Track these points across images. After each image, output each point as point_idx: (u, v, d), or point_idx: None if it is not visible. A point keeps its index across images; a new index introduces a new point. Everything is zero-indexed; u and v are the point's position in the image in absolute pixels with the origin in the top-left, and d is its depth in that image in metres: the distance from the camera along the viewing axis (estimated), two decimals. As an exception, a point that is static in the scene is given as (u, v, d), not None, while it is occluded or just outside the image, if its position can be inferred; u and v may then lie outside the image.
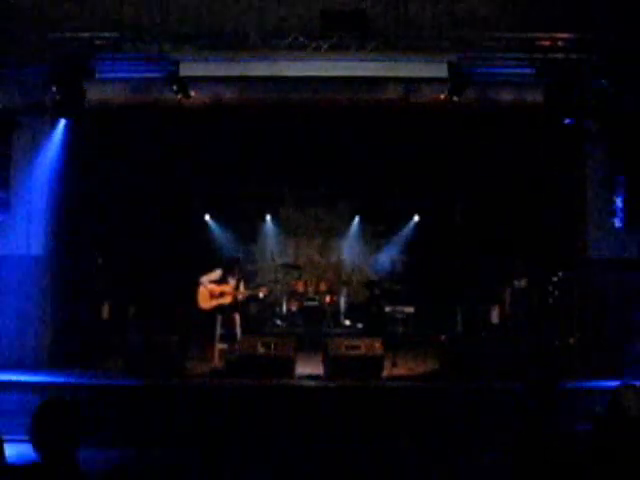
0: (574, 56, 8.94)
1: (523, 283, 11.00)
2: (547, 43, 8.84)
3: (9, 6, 8.39)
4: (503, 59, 9.13)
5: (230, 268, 10.70)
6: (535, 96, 10.16)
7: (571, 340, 9.75)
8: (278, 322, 13.42)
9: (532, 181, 11.12)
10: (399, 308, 12.85)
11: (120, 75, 9.83)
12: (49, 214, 9.81)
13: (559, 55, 8.96)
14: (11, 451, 3.41)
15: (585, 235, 9.88)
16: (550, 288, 10.43)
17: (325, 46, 9.05)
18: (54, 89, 9.50)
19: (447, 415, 7.48)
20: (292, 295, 13.83)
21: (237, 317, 10.58)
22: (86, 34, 8.80)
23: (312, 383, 8.75)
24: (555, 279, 10.44)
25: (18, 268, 9.61)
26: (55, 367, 9.23)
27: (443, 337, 10.95)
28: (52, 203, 9.85)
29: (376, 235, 14.76)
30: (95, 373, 9.09)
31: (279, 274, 14.33)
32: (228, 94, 10.26)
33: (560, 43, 8.84)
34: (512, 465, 4.21)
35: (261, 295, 11.56)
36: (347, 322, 13.35)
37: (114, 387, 8.45)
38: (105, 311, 11.22)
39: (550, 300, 10.40)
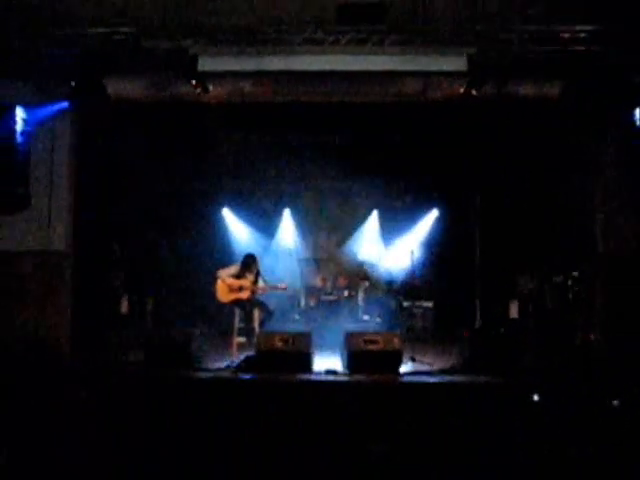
0: (595, 48, 8.86)
1: (542, 278, 10.92)
2: (567, 36, 8.76)
3: (28, 3, 8.41)
4: (522, 52, 9.06)
5: (247, 264, 10.73)
6: (554, 89, 10.10)
7: (592, 336, 9.69)
8: (296, 317, 13.41)
9: (552, 174, 11.04)
10: (418, 303, 12.82)
11: (139, 70, 9.88)
12: (69, 209, 9.87)
13: (579, 48, 8.88)
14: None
15: (606, 229, 9.80)
16: (570, 283, 10.35)
17: (343, 40, 9.02)
18: (73, 84, 9.56)
19: (466, 410, 7.44)
20: (310, 290, 13.81)
21: (256, 312, 10.60)
22: (105, 29, 8.83)
23: (330, 378, 8.75)
24: (575, 274, 10.36)
25: (39, 263, 9.70)
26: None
27: (462, 331, 10.92)
28: (72, 198, 9.91)
29: (394, 229, 14.71)
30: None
31: (297, 269, 14.31)
32: (246, 88, 10.27)
33: (580, 36, 8.76)
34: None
35: (279, 291, 11.57)
36: (365, 317, 13.29)
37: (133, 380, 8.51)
38: (124, 305, 11.27)
39: (570, 295, 10.33)
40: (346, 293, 13.62)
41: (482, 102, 10.18)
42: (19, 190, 9.52)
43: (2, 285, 9.63)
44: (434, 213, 14.41)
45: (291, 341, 9.05)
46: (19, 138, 9.33)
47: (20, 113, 9.36)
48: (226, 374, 8.91)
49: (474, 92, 9.76)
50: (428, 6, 8.60)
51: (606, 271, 9.82)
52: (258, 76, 9.94)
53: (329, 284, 13.86)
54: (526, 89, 10.12)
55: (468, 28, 8.85)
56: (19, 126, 9.32)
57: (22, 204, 9.61)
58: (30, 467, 6.07)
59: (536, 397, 7.45)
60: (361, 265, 14.29)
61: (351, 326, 12.11)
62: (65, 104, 9.73)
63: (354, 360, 8.96)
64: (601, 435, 6.61)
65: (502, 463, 6.15)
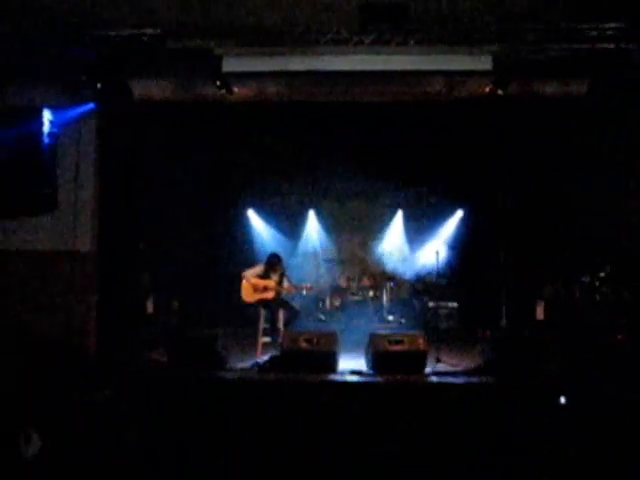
0: (622, 46, 8.76)
1: (569, 279, 10.83)
2: (594, 33, 8.67)
3: (54, 6, 8.49)
4: (549, 50, 8.98)
5: (272, 264, 10.75)
6: (581, 88, 10.01)
7: (619, 337, 9.58)
8: (321, 317, 13.42)
9: (578, 173, 10.93)
10: (443, 303, 12.77)
11: (164, 72, 9.93)
12: (94, 209, 9.95)
13: (606, 45, 8.79)
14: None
15: (633, 228, 9.71)
16: (597, 283, 10.25)
17: (367, 40, 9.01)
18: (99, 86, 9.63)
19: (491, 412, 7.40)
20: (335, 290, 13.81)
21: (281, 312, 10.61)
22: (130, 31, 8.90)
23: (355, 378, 8.73)
24: (602, 274, 10.26)
25: (65, 264, 9.80)
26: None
27: (487, 332, 10.86)
28: (97, 198, 9.98)
29: (419, 230, 14.67)
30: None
31: (322, 269, 14.32)
32: (270, 89, 10.28)
33: (608, 33, 8.67)
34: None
35: (304, 291, 11.60)
36: (390, 317, 13.27)
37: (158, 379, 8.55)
38: (149, 305, 11.33)
39: (597, 296, 10.23)
40: (371, 293, 13.60)
41: (508, 101, 10.11)
42: (46, 191, 9.61)
43: (29, 285, 9.72)
44: (459, 213, 14.34)
45: (316, 341, 9.04)
46: (46, 140, 9.42)
47: (47, 115, 9.45)
48: (251, 374, 8.92)
49: (499, 91, 9.69)
50: (452, 5, 8.56)
51: (633, 271, 9.71)
52: (282, 77, 9.95)
53: (354, 284, 13.84)
54: (552, 88, 10.03)
55: (493, 27, 8.79)
56: (46, 128, 9.41)
57: (49, 205, 9.70)
58: (59, 459, 6.14)
59: (562, 400, 7.39)
60: (385, 265, 14.26)
61: (376, 326, 12.09)
62: (91, 106, 9.81)
63: (379, 361, 8.93)
64: (631, 437, 6.55)
65: (527, 465, 6.11)
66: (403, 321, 12.93)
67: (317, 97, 10.43)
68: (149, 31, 8.85)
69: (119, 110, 10.08)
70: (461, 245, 13.95)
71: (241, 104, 10.50)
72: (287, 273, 11.19)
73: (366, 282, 13.95)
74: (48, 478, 6.10)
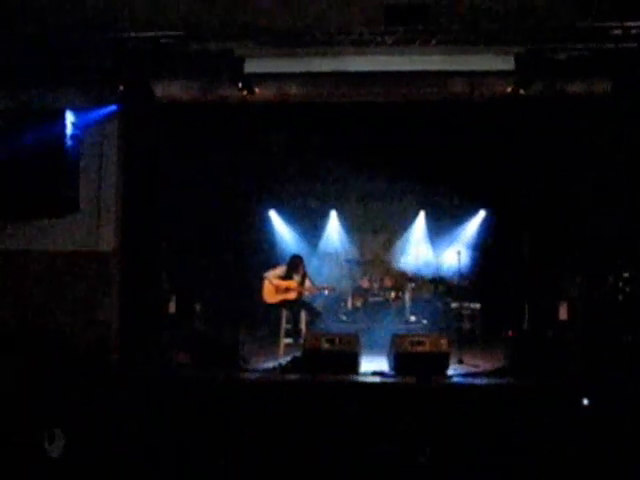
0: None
1: (592, 279, 10.72)
2: (618, 32, 8.59)
3: (76, 6, 8.54)
4: (571, 50, 8.91)
5: (294, 265, 10.76)
6: (605, 88, 9.91)
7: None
8: (343, 318, 13.41)
9: (602, 173, 10.82)
10: (465, 304, 12.71)
11: (186, 73, 9.96)
12: (117, 210, 10.00)
13: (631, 44, 8.70)
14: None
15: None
16: (620, 284, 10.15)
17: (389, 41, 8.98)
18: (121, 88, 9.68)
19: (514, 414, 7.36)
20: (357, 291, 13.80)
21: (303, 313, 10.63)
22: (152, 33, 8.93)
23: (377, 379, 8.72)
24: (626, 275, 10.16)
25: (88, 264, 9.86)
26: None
27: (510, 333, 10.78)
28: (119, 199, 10.03)
29: (441, 230, 14.62)
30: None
31: (344, 270, 14.31)
32: (293, 90, 10.28)
33: (633, 32, 8.58)
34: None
35: (326, 292, 11.60)
36: (412, 318, 13.23)
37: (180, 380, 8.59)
38: (172, 306, 11.37)
39: (620, 297, 10.13)
40: (393, 294, 13.57)
41: (531, 101, 10.04)
42: (69, 193, 9.67)
43: (52, 285, 9.79)
44: (481, 214, 14.28)
45: (338, 342, 9.05)
46: (68, 142, 9.48)
47: (70, 117, 9.52)
48: (273, 375, 8.93)
49: (522, 91, 9.63)
50: (474, 5, 8.52)
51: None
52: (304, 77, 9.95)
53: (375, 285, 13.82)
54: (576, 87, 9.94)
55: (515, 27, 8.74)
56: (68, 130, 9.48)
57: (71, 207, 9.76)
58: (82, 459, 6.19)
59: (585, 401, 7.33)
60: (408, 266, 14.23)
61: (398, 327, 12.06)
62: (113, 108, 9.86)
63: (401, 362, 8.91)
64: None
65: (549, 466, 6.08)
66: (425, 322, 12.88)
67: (339, 98, 10.41)
68: (171, 33, 8.89)
69: (141, 112, 10.11)
70: (483, 246, 13.89)
71: (263, 105, 10.50)
72: (309, 274, 11.20)
73: (388, 283, 13.93)
74: (73, 477, 6.15)
